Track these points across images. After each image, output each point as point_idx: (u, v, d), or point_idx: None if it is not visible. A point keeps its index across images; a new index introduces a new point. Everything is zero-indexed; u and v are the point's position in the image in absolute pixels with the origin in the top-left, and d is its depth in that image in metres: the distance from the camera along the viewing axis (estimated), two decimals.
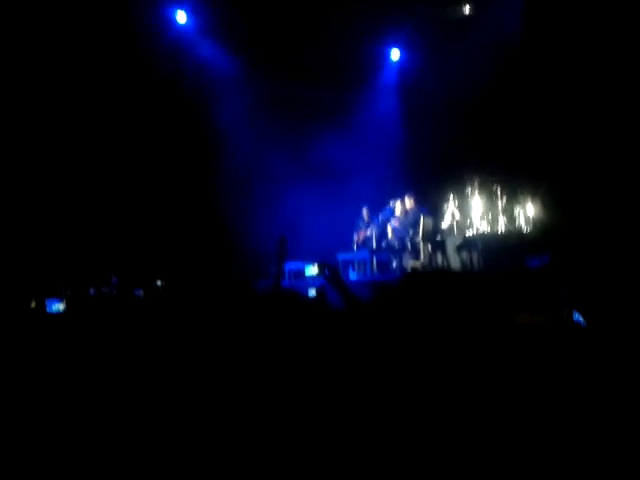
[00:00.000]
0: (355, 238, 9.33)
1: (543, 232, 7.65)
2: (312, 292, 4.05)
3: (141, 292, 5.36)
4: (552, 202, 7.85)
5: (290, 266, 8.48)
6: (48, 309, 3.89)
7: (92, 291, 5.81)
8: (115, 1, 8.45)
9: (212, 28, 9.58)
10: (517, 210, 8.18)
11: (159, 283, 6.28)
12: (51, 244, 8.11)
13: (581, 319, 2.08)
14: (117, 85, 8.78)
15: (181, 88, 9.37)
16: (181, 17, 9.54)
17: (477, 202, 8.27)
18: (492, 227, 8.17)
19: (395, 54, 10.81)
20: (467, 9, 9.97)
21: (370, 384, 1.66)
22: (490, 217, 8.20)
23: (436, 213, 8.68)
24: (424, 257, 8.24)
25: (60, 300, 3.91)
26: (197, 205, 9.39)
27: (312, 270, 6.03)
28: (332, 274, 2.57)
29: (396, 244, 8.60)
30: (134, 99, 8.93)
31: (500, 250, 7.55)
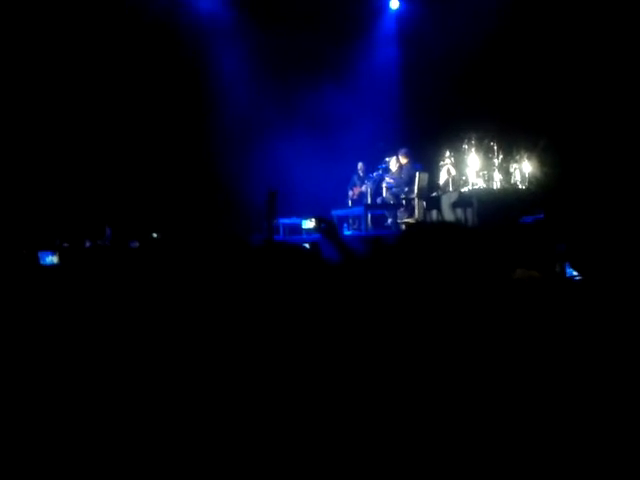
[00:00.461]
0: (350, 194, 9.31)
1: (539, 189, 7.64)
2: (306, 246, 4.04)
3: (136, 244, 5.35)
4: (548, 159, 7.80)
5: (284, 221, 8.48)
6: (41, 261, 3.86)
7: (87, 243, 5.79)
8: None
9: None
10: (513, 167, 8.14)
11: (155, 235, 6.26)
12: (44, 196, 8.05)
13: (574, 273, 2.10)
14: (109, 34, 8.55)
15: (175, 38, 9.14)
16: None
17: (473, 159, 8.21)
18: (488, 184, 8.14)
19: (394, 3, 10.52)
20: None
21: (366, 341, 1.67)
22: (486, 174, 8.16)
23: (432, 169, 8.63)
24: (419, 214, 8.24)
25: (53, 253, 3.88)
26: (192, 158, 9.30)
27: (308, 224, 6.01)
28: (329, 228, 2.56)
29: (391, 200, 8.58)
30: (127, 49, 8.72)
31: (495, 207, 7.54)
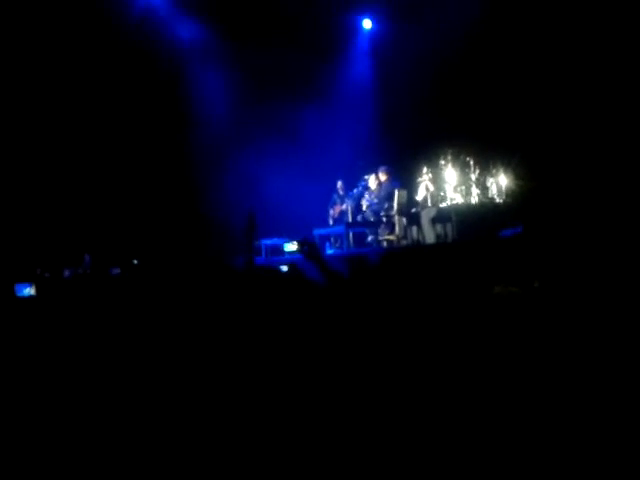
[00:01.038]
0: (331, 213, 9.34)
1: (516, 203, 7.76)
2: (284, 268, 4.05)
3: (118, 271, 5.28)
4: (524, 173, 7.94)
5: (266, 242, 8.47)
6: (18, 293, 3.81)
7: (67, 273, 5.71)
8: None
9: None
10: (490, 181, 8.26)
11: (135, 261, 6.19)
12: (20, 224, 7.93)
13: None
14: (87, 58, 8.55)
15: (152, 58, 9.15)
16: None
17: (451, 174, 8.32)
18: (466, 199, 8.24)
19: (367, 23, 10.70)
20: None
21: (352, 358, 1.68)
22: (464, 189, 8.27)
23: (410, 186, 8.72)
24: (399, 230, 8.30)
25: (30, 284, 3.83)
26: (171, 180, 9.26)
27: (291, 247, 6.02)
28: (311, 251, 2.58)
29: (371, 218, 8.63)
30: (104, 71, 8.71)
31: (474, 221, 7.64)
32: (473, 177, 8.29)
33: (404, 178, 8.87)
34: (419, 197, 8.59)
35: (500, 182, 8.18)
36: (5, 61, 8.10)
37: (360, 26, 10.73)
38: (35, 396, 1.90)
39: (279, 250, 8.28)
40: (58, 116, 8.56)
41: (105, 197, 8.79)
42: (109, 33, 8.60)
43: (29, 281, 3.74)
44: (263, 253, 8.47)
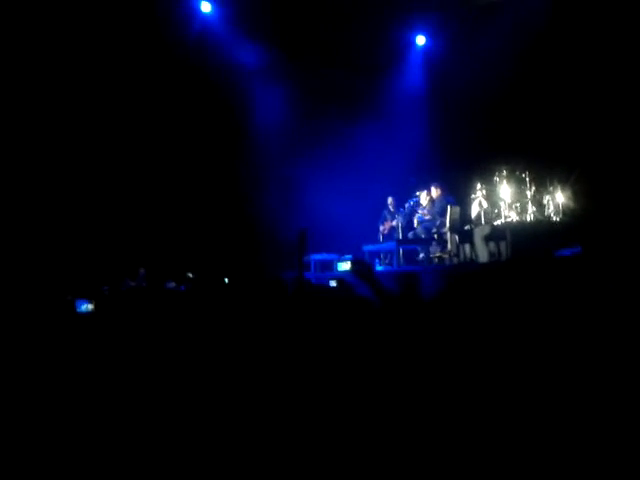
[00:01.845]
0: (381, 229, 9.30)
1: (574, 221, 7.49)
2: (333, 283, 4.05)
3: (173, 284, 5.42)
4: (583, 190, 7.68)
5: (316, 257, 8.51)
6: (78, 309, 3.97)
7: (124, 286, 5.90)
8: None
9: (237, 17, 9.58)
10: (546, 198, 8.03)
11: (190, 275, 6.33)
12: (78, 240, 8.24)
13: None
14: (144, 75, 8.88)
15: (207, 77, 9.41)
16: (205, 7, 9.58)
17: (505, 191, 8.14)
18: (521, 216, 8.04)
19: (421, 40, 10.67)
20: None
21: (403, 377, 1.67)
22: (519, 206, 8.07)
23: (463, 202, 8.57)
24: (452, 248, 8.16)
25: (89, 301, 3.99)
26: (224, 195, 9.45)
27: (344, 266, 6.03)
28: (364, 270, 2.57)
29: (423, 234, 8.53)
30: (162, 89, 9.02)
31: (530, 240, 7.42)
32: (529, 194, 8.08)
33: (457, 194, 8.74)
34: (472, 214, 8.43)
35: (557, 199, 7.93)
36: (73, 90, 8.48)
37: (414, 42, 10.71)
38: (92, 407, 1.95)
39: (329, 265, 8.29)
40: (121, 134, 8.90)
41: (162, 212, 9.04)
42: (168, 52, 8.91)
43: (88, 297, 3.91)
44: (312, 268, 8.51)
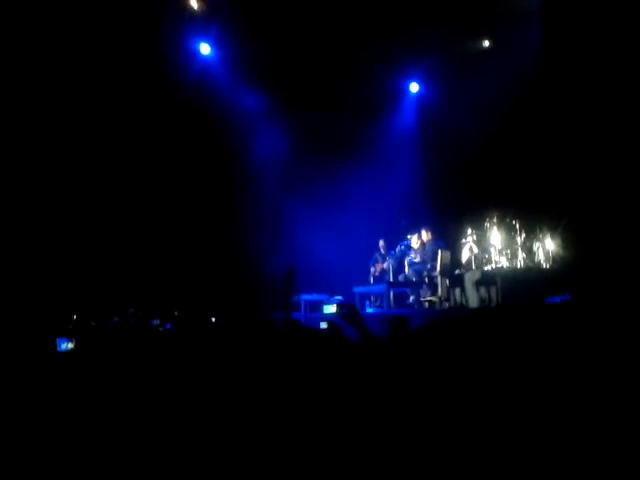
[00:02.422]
0: (372, 271, 9.29)
1: (563, 269, 7.52)
2: (323, 325, 4.02)
3: (157, 322, 5.36)
4: (572, 238, 7.73)
5: (306, 297, 8.46)
6: (58, 348, 3.91)
7: (110, 322, 5.84)
8: (141, 36, 8.70)
9: (235, 60, 9.78)
10: (536, 245, 8.08)
11: (176, 313, 6.27)
12: (63, 276, 8.15)
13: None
14: (143, 115, 8.98)
15: (206, 118, 9.52)
16: (205, 49, 9.78)
17: (495, 237, 8.20)
18: (511, 262, 8.07)
19: (414, 87, 10.93)
20: (486, 43, 10.07)
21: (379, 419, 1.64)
22: (509, 252, 8.11)
23: (454, 247, 8.61)
24: (442, 292, 8.15)
25: (69, 339, 3.93)
26: (216, 235, 9.43)
27: (330, 309, 6.00)
28: (350, 314, 2.55)
29: (413, 278, 8.52)
30: (159, 129, 9.11)
31: (520, 286, 7.43)
32: (519, 240, 8.14)
33: (448, 239, 8.79)
34: (463, 259, 8.46)
35: (547, 247, 7.99)
36: (75, 128, 8.57)
37: (408, 89, 10.96)
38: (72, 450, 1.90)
39: (319, 306, 8.24)
40: (113, 173, 8.91)
41: (152, 250, 8.99)
42: (166, 91, 9.04)
43: (69, 335, 3.85)
44: (302, 309, 8.44)
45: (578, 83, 8.35)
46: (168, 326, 5.03)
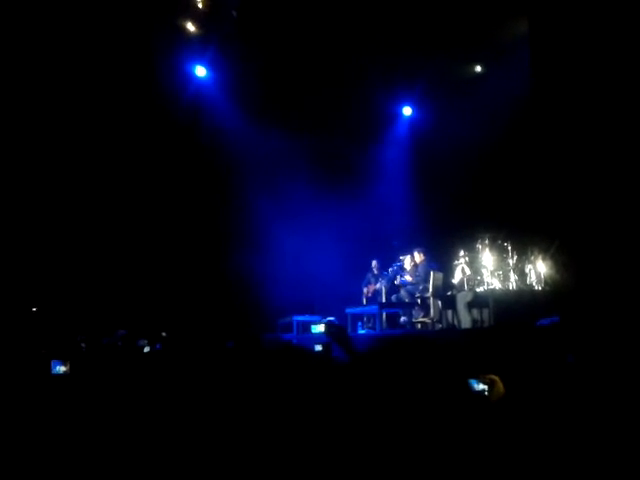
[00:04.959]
0: (364, 291, 9.29)
1: (555, 291, 7.55)
2: (318, 347, 4.02)
3: (145, 342, 5.33)
4: (563, 260, 7.77)
5: (298, 318, 8.46)
6: (52, 371, 3.89)
7: (100, 344, 5.81)
8: (138, 59, 8.80)
9: (230, 82, 9.88)
10: (528, 268, 8.12)
11: (164, 334, 6.24)
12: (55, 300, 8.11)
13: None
14: (137, 135, 9.03)
15: (200, 139, 9.58)
16: (200, 71, 9.90)
17: (488, 258, 8.24)
18: (503, 284, 8.10)
19: (407, 111, 11.06)
20: (478, 68, 10.24)
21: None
22: (501, 274, 8.14)
23: (446, 268, 8.64)
24: (434, 313, 8.15)
25: (63, 362, 3.90)
26: (204, 255, 9.41)
27: (318, 328, 6.00)
28: (338, 333, 2.58)
29: (406, 299, 8.53)
30: (153, 149, 9.16)
31: (512, 308, 7.45)
32: (511, 262, 8.18)
33: (440, 260, 8.82)
34: (455, 280, 8.48)
35: (538, 269, 8.03)
36: (68, 148, 8.61)
37: (400, 113, 11.09)
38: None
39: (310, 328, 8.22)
40: (102, 193, 8.91)
41: (140, 271, 8.94)
42: (161, 112, 9.12)
43: (63, 357, 3.83)
44: (294, 329, 8.43)
45: (567, 107, 8.48)
46: (158, 347, 5.02)
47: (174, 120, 9.28)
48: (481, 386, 1.91)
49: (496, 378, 1.97)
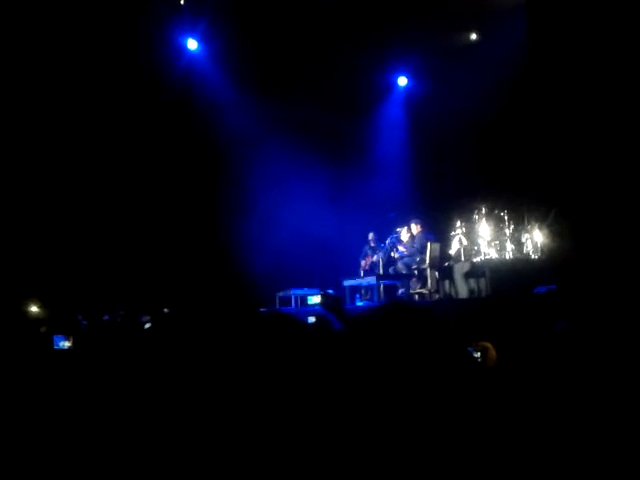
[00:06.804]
0: (362, 264, 9.32)
1: (551, 260, 7.58)
2: (311, 319, 4.05)
3: (147, 318, 5.36)
4: (560, 229, 7.79)
5: (296, 292, 8.50)
6: (55, 345, 3.90)
7: (101, 320, 5.85)
8: (131, 33, 8.66)
9: (222, 55, 9.74)
10: (525, 237, 8.14)
11: (166, 310, 6.27)
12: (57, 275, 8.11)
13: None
14: (130, 109, 8.93)
15: (192, 111, 9.47)
16: (192, 44, 9.74)
17: (484, 228, 8.25)
18: (500, 254, 8.13)
19: (402, 81, 10.94)
20: (473, 36, 10.10)
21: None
22: (498, 243, 8.16)
23: (443, 239, 8.65)
24: (431, 284, 8.19)
25: (66, 337, 3.92)
26: (199, 228, 9.39)
27: (314, 299, 6.04)
28: (334, 304, 2.59)
29: (403, 270, 8.56)
30: (145, 122, 9.06)
31: (508, 277, 7.49)
32: (507, 232, 8.19)
33: (437, 231, 8.83)
34: (452, 251, 8.51)
35: (535, 238, 8.05)
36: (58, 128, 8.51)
37: (396, 83, 10.97)
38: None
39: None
40: (99, 172, 8.85)
41: (140, 246, 8.94)
42: (153, 83, 9.00)
43: (66, 332, 3.84)
44: (293, 303, 8.47)
45: (563, 75, 8.40)
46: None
47: (165, 94, 9.16)
48: (474, 354, 1.94)
49: (489, 345, 1.99)
